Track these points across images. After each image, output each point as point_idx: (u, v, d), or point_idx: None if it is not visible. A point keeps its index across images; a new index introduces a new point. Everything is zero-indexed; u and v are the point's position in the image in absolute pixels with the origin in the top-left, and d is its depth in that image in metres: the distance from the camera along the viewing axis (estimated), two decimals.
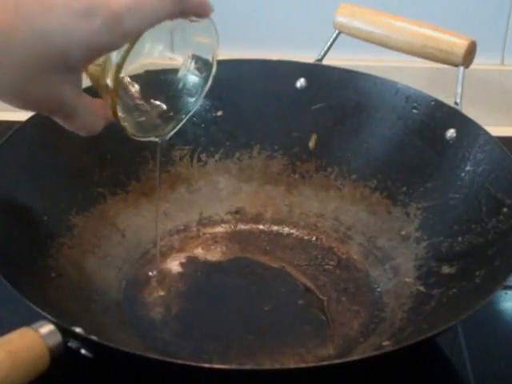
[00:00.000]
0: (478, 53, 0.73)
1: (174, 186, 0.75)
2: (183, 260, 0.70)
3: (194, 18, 0.52)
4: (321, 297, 0.67)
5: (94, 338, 0.50)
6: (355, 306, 0.66)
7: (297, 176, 0.76)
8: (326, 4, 0.80)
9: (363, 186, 0.74)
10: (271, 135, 0.77)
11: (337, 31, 0.78)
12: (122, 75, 0.51)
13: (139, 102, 0.57)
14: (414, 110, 0.73)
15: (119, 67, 0.50)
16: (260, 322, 0.64)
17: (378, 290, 0.67)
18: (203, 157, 0.76)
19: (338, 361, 0.57)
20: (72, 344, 0.50)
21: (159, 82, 0.58)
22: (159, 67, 0.58)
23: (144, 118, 0.57)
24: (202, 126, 0.76)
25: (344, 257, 0.71)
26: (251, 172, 0.77)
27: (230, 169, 0.76)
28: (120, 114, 0.53)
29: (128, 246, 0.70)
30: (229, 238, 0.73)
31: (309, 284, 0.68)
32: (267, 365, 0.60)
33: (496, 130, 0.70)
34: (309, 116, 0.76)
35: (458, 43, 0.72)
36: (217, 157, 0.76)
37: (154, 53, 0.55)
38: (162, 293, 0.67)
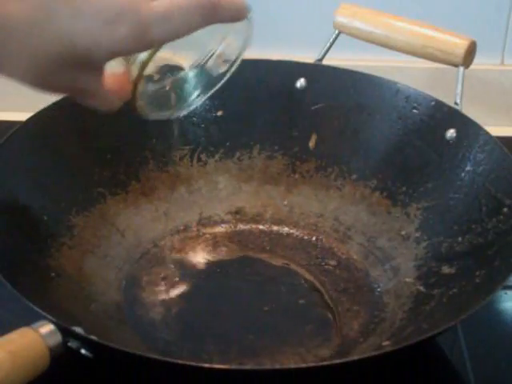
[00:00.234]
0: (478, 53, 0.73)
1: (174, 186, 0.75)
2: (183, 260, 0.70)
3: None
4: (321, 296, 0.67)
5: (94, 337, 0.50)
6: (355, 306, 0.66)
7: (297, 176, 0.76)
8: (326, 4, 0.80)
9: (363, 186, 0.74)
10: (271, 135, 0.77)
11: (337, 31, 0.78)
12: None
13: (159, 76, 0.56)
14: (414, 110, 0.73)
15: (144, 65, 0.50)
16: (260, 321, 0.64)
17: (378, 290, 0.67)
18: (203, 157, 0.76)
19: (338, 361, 0.57)
20: (72, 344, 0.50)
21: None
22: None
23: (160, 94, 0.56)
24: (202, 126, 0.76)
25: (344, 257, 0.71)
26: (251, 172, 0.77)
27: (230, 169, 0.76)
28: (140, 89, 0.53)
29: (128, 245, 0.70)
30: (229, 238, 0.73)
31: (309, 283, 0.68)
32: (267, 365, 0.60)
33: (496, 129, 0.70)
34: (309, 116, 0.76)
35: (458, 43, 0.72)
36: (217, 157, 0.76)
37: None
38: (162, 293, 0.67)
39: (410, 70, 0.88)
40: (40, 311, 0.51)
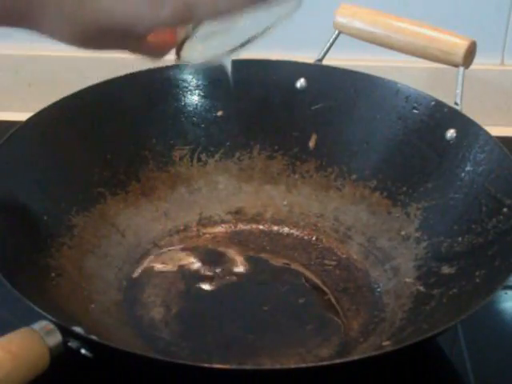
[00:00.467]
0: (478, 53, 0.73)
1: (174, 185, 0.75)
2: (183, 260, 0.70)
3: None
4: (321, 296, 0.67)
5: (94, 337, 0.50)
6: (355, 306, 0.66)
7: (297, 176, 0.76)
8: (326, 4, 0.80)
9: (363, 186, 0.74)
10: (271, 135, 0.77)
11: (337, 31, 0.78)
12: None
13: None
14: (414, 110, 0.73)
15: (187, 36, 0.50)
16: (260, 321, 0.64)
17: (378, 290, 0.67)
18: (203, 157, 0.76)
19: (338, 361, 0.57)
20: (72, 344, 0.50)
21: None
22: None
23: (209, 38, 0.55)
24: (202, 126, 0.76)
25: (344, 257, 0.71)
26: (251, 172, 0.77)
27: (230, 169, 0.76)
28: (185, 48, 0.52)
29: (128, 245, 0.70)
30: (229, 238, 0.73)
31: (309, 283, 0.68)
32: (267, 365, 0.60)
33: (496, 129, 0.70)
34: (309, 116, 0.76)
35: (458, 43, 0.72)
36: (217, 157, 0.76)
37: None
38: (162, 293, 0.67)
39: (409, 69, 0.88)
40: (40, 311, 0.51)
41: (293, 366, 0.58)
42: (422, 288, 0.64)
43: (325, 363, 0.55)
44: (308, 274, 0.69)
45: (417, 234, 0.69)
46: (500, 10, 0.88)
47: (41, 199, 0.66)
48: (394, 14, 0.76)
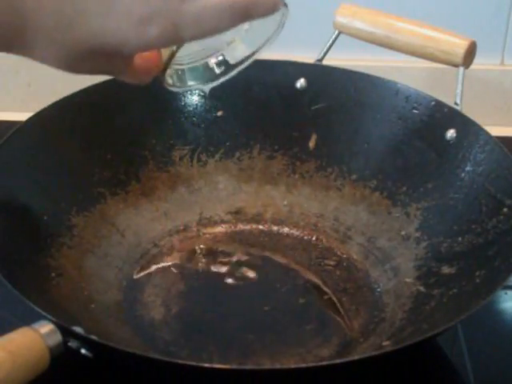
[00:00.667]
0: (478, 53, 0.73)
1: (174, 186, 0.75)
2: (183, 260, 0.70)
3: None
4: (322, 296, 0.67)
5: (94, 337, 0.50)
6: (355, 306, 0.66)
7: (297, 176, 0.76)
8: (326, 4, 0.80)
9: (363, 186, 0.74)
10: (271, 135, 0.77)
11: (337, 31, 0.78)
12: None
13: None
14: (414, 110, 0.73)
15: (172, 55, 0.51)
16: (260, 321, 0.64)
17: (378, 290, 0.67)
18: (203, 157, 0.76)
19: (338, 361, 0.57)
20: (72, 344, 0.50)
21: None
22: None
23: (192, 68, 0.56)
24: (202, 126, 0.76)
25: (344, 257, 0.71)
26: (251, 172, 0.77)
27: (230, 169, 0.76)
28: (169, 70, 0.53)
29: (128, 245, 0.70)
30: (229, 238, 0.73)
31: (309, 283, 0.68)
32: (267, 365, 0.60)
33: (496, 129, 0.70)
34: (309, 116, 0.76)
35: (458, 43, 0.72)
36: (217, 157, 0.76)
37: None
38: (162, 293, 0.67)
39: (409, 69, 0.88)
40: (40, 311, 0.51)
41: (293, 366, 0.58)
42: (422, 288, 0.64)
43: (325, 363, 0.55)
44: (308, 273, 0.69)
45: (417, 234, 0.69)
46: (500, 9, 0.88)
47: (41, 199, 0.66)
48: (394, 14, 0.76)
